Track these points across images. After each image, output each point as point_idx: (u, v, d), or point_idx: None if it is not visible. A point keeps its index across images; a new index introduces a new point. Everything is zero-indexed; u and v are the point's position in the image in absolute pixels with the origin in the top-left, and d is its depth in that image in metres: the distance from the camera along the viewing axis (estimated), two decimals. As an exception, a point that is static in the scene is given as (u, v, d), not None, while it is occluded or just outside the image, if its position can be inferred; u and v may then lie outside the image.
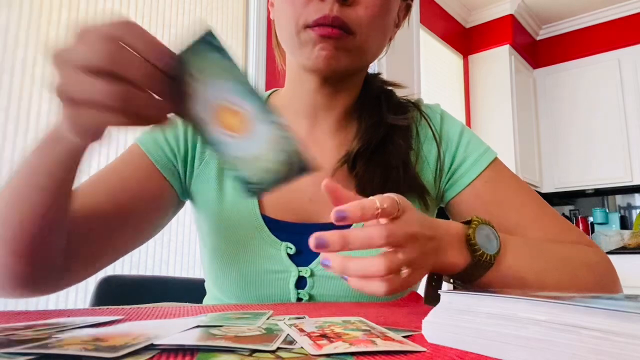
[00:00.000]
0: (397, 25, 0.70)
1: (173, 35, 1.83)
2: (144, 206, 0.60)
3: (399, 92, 0.72)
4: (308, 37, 0.58)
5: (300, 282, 0.61)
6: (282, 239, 0.62)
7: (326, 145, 0.67)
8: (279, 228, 0.62)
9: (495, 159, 0.66)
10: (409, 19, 0.71)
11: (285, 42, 0.62)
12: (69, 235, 0.52)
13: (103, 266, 0.60)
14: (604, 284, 0.56)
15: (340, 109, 0.67)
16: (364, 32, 0.58)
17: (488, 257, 0.46)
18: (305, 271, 0.61)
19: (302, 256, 0.62)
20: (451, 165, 0.66)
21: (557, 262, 0.53)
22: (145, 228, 0.63)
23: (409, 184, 0.63)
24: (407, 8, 0.70)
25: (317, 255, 0.61)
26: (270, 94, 0.73)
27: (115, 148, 1.58)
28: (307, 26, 0.57)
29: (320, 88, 0.64)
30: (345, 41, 0.57)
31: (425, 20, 3.16)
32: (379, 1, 0.58)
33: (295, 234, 0.62)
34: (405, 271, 0.38)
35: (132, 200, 0.59)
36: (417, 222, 0.40)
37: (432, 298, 0.50)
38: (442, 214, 0.73)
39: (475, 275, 0.47)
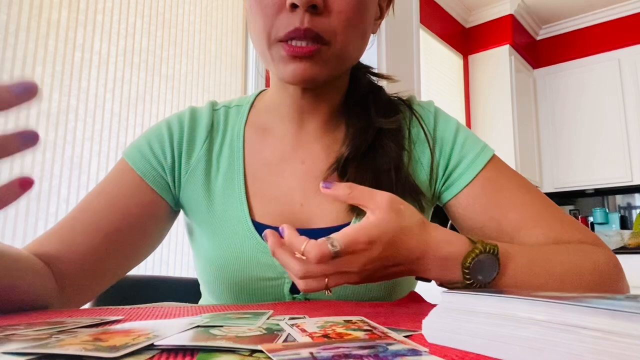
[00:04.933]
0: (381, 17, 0.66)
1: (173, 35, 1.83)
2: (137, 224, 0.60)
3: (393, 87, 0.70)
4: (279, 55, 0.56)
5: (295, 287, 0.60)
6: None
7: (314, 148, 0.65)
8: None
9: (493, 156, 0.64)
10: (393, 6, 0.68)
11: (259, 53, 0.61)
12: (64, 277, 0.54)
13: (107, 286, 0.61)
14: (612, 288, 0.54)
15: (326, 111, 0.65)
16: (339, 40, 0.55)
17: (477, 285, 0.46)
18: None
19: None
20: (447, 166, 0.64)
21: (562, 274, 0.51)
22: (144, 244, 0.63)
23: (402, 186, 0.61)
24: None
25: None
26: (258, 95, 0.72)
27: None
28: (279, 40, 0.55)
29: (302, 94, 0.63)
30: (320, 54, 0.55)
31: (425, 20, 3.16)
32: (352, 4, 0.55)
33: None
34: (327, 281, 0.43)
35: (124, 221, 0.59)
36: (362, 261, 0.43)
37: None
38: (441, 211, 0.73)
39: (466, 289, 0.47)
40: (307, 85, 0.60)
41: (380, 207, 0.44)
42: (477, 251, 0.45)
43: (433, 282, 0.50)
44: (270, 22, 0.55)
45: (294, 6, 0.53)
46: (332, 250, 0.41)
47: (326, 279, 0.43)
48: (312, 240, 0.42)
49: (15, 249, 0.50)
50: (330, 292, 0.45)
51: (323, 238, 0.42)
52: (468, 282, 0.45)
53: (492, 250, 0.46)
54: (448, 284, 0.47)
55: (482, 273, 0.46)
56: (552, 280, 0.50)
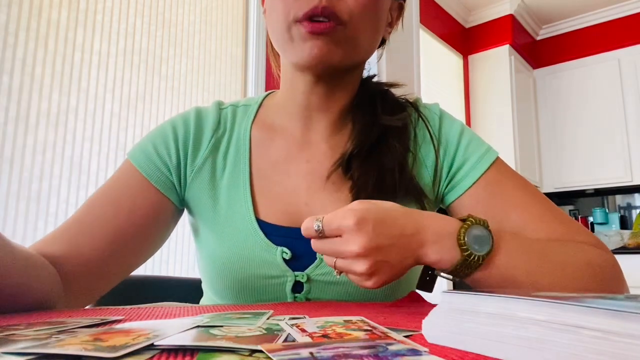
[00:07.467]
0: (391, 25, 0.69)
1: (173, 35, 1.83)
2: (142, 224, 0.60)
3: (398, 91, 0.71)
4: (298, 33, 0.57)
5: (297, 286, 0.61)
6: (278, 243, 0.61)
7: (321, 147, 0.66)
8: (274, 232, 0.61)
9: (497, 159, 0.64)
10: (402, 20, 0.70)
11: (276, 39, 0.62)
12: (69, 279, 0.54)
13: (112, 286, 0.62)
14: (606, 286, 0.54)
15: (334, 111, 0.66)
16: (354, 21, 0.57)
17: (476, 258, 0.47)
18: (301, 276, 0.60)
19: (298, 261, 0.61)
20: (450, 168, 0.65)
21: (556, 263, 0.52)
22: (149, 244, 0.63)
23: (405, 186, 0.62)
24: (400, 8, 0.69)
25: (313, 259, 0.61)
26: (266, 96, 0.73)
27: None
28: (297, 20, 0.57)
29: (313, 88, 0.64)
30: (336, 33, 0.57)
31: (425, 20, 3.16)
32: None
33: (291, 239, 0.61)
34: (335, 261, 0.46)
35: (129, 222, 0.59)
36: (358, 241, 0.44)
37: (422, 284, 0.52)
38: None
39: (464, 272, 0.48)
40: (321, 67, 0.60)
41: (351, 207, 0.46)
42: (469, 223, 0.48)
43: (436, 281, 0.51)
44: (289, 4, 0.57)
45: None
46: (315, 224, 0.45)
47: (335, 260, 0.46)
48: (311, 217, 0.46)
49: (25, 248, 0.50)
50: (339, 274, 0.47)
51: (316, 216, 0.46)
52: (465, 253, 0.46)
53: (482, 223, 0.48)
54: (450, 269, 0.48)
55: (477, 243, 0.48)
56: (546, 265, 0.51)
